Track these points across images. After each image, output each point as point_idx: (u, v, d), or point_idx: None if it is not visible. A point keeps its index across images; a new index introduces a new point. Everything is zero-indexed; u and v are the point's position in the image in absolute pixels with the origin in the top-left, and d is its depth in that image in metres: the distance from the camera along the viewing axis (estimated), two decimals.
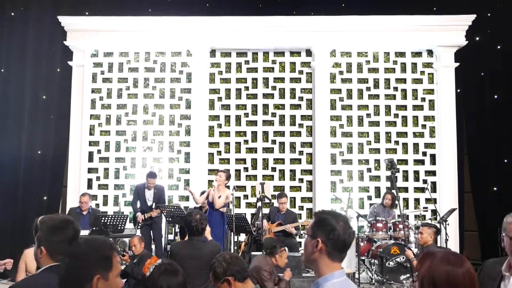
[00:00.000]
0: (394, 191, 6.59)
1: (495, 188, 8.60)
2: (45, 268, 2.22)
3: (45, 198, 8.68)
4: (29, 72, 8.79)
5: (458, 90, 8.87)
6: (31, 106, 8.77)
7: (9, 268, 4.21)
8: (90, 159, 8.92)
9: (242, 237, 7.78)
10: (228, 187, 7.11)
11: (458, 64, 8.81)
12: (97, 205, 8.67)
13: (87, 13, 9.06)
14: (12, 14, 8.79)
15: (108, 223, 6.87)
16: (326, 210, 2.16)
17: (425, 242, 5.77)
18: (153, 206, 7.66)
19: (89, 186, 8.82)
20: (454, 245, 8.09)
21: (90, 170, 8.90)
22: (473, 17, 8.68)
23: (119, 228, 7.05)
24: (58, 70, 9.01)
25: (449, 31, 8.82)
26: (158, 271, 2.56)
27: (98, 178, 8.91)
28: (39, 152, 8.74)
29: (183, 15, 8.85)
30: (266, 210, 7.95)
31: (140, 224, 7.60)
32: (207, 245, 4.59)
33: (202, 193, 7.55)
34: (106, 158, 8.95)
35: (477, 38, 8.88)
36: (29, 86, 8.78)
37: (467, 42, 8.77)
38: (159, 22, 8.90)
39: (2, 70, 8.70)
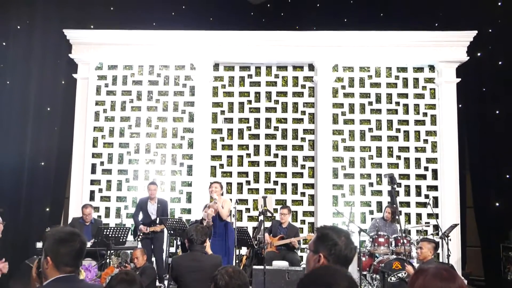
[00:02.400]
0: (394, 206, 6.62)
1: (497, 204, 8.59)
2: (52, 280, 2.26)
3: (47, 209, 8.70)
4: (34, 84, 8.86)
5: (460, 105, 8.91)
6: (35, 117, 8.82)
7: (5, 272, 4.22)
8: (93, 171, 8.95)
9: (244, 250, 7.78)
10: (230, 200, 7.14)
11: (460, 79, 8.87)
12: (99, 216, 8.67)
13: (92, 27, 9.16)
14: (18, 27, 8.89)
15: (110, 235, 6.88)
16: (328, 225, 2.19)
17: (425, 257, 5.73)
18: (157, 221, 7.65)
19: (92, 198, 8.84)
20: (456, 261, 8.07)
21: (92, 182, 8.93)
22: (474, 33, 8.75)
23: (121, 240, 7.06)
24: (63, 82, 9.09)
25: (451, 47, 8.89)
26: (115, 280, 2.55)
27: (100, 190, 8.93)
28: (42, 163, 8.77)
29: (187, 29, 8.93)
30: (267, 224, 7.95)
31: (140, 237, 7.60)
32: (208, 258, 4.63)
33: (206, 206, 7.56)
34: (109, 170, 8.99)
35: (479, 54, 8.94)
36: (33, 97, 8.84)
37: (468, 58, 8.83)
38: (163, 36, 8.99)
39: (8, 82, 8.77)
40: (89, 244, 6.73)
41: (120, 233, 7.06)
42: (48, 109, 8.93)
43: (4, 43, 8.80)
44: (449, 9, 8.87)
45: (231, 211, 6.88)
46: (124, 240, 7.13)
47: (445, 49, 8.88)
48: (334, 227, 2.16)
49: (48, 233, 2.36)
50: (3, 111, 8.71)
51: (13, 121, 8.74)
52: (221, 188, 7.01)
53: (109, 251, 6.99)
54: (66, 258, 2.28)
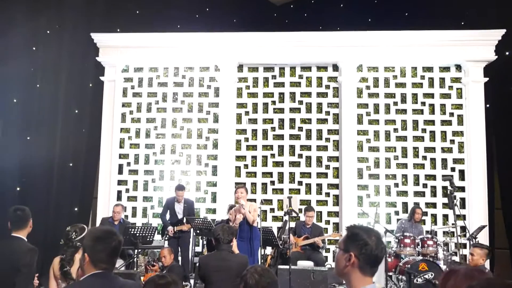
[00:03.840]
0: (452, 210, 6.40)
1: None
2: (88, 275, 2.37)
3: (75, 209, 8.88)
4: (62, 87, 9.05)
5: (487, 105, 8.76)
6: (64, 119, 9.01)
7: (36, 285, 4.34)
8: (120, 171, 9.12)
9: (269, 250, 7.81)
10: (254, 200, 7.13)
11: (488, 79, 8.71)
12: (126, 216, 8.82)
13: (118, 30, 9.33)
14: (48, 32, 9.10)
15: (137, 234, 7.00)
16: (358, 225, 2.20)
17: (476, 264, 5.51)
18: (184, 220, 7.75)
19: (119, 197, 9.01)
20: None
21: (119, 182, 9.10)
22: (502, 31, 8.58)
23: (148, 239, 7.18)
24: (90, 85, 9.27)
25: (478, 46, 8.74)
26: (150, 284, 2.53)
27: (127, 190, 9.10)
28: (71, 164, 8.96)
29: (211, 31, 9.02)
30: (292, 224, 7.96)
31: (168, 236, 7.71)
32: (235, 257, 4.67)
33: (231, 207, 7.59)
34: (135, 170, 9.14)
35: (507, 53, 8.76)
36: (62, 100, 9.03)
37: (496, 57, 8.67)
38: (188, 38, 9.10)
39: (38, 85, 8.99)
40: None
41: (147, 232, 7.18)
42: (76, 111, 9.12)
43: (34, 48, 9.02)
44: (475, 8, 8.72)
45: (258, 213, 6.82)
46: (151, 239, 7.25)
47: (472, 48, 8.74)
48: (364, 227, 2.17)
49: (88, 231, 2.45)
50: (34, 114, 8.92)
51: (43, 124, 8.94)
52: (246, 192, 6.94)
53: (136, 250, 7.11)
54: (102, 255, 2.40)
